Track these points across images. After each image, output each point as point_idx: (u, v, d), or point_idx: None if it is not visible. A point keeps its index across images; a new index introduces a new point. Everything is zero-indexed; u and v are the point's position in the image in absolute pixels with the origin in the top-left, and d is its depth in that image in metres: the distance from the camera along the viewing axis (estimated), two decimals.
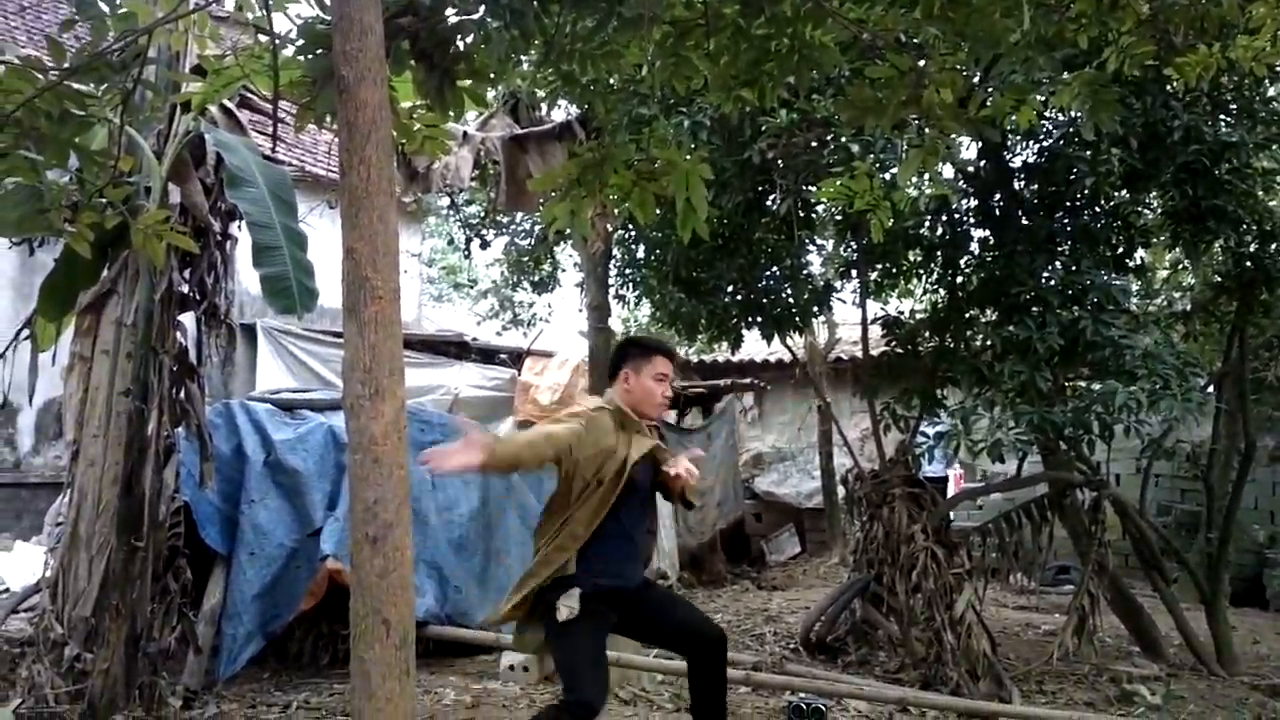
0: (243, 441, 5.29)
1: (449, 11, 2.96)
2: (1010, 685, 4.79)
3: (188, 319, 4.43)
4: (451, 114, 3.20)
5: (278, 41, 2.93)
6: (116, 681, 3.96)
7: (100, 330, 4.32)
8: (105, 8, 2.90)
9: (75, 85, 2.79)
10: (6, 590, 6.51)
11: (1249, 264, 5.58)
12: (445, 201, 11.81)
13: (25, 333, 4.55)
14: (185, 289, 4.33)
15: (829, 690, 4.58)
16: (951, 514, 5.90)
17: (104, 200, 3.18)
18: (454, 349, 9.89)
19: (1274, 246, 5.58)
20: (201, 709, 4.39)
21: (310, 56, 2.79)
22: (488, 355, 10.19)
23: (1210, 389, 6.17)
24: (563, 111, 7.14)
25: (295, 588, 5.06)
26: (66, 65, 2.67)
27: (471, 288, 17.45)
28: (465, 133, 5.88)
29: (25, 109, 2.56)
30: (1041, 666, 5.46)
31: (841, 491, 7.29)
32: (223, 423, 5.32)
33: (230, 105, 4.55)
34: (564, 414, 3.14)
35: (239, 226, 4.52)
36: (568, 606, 2.94)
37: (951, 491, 10.11)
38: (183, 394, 4.31)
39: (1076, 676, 5.45)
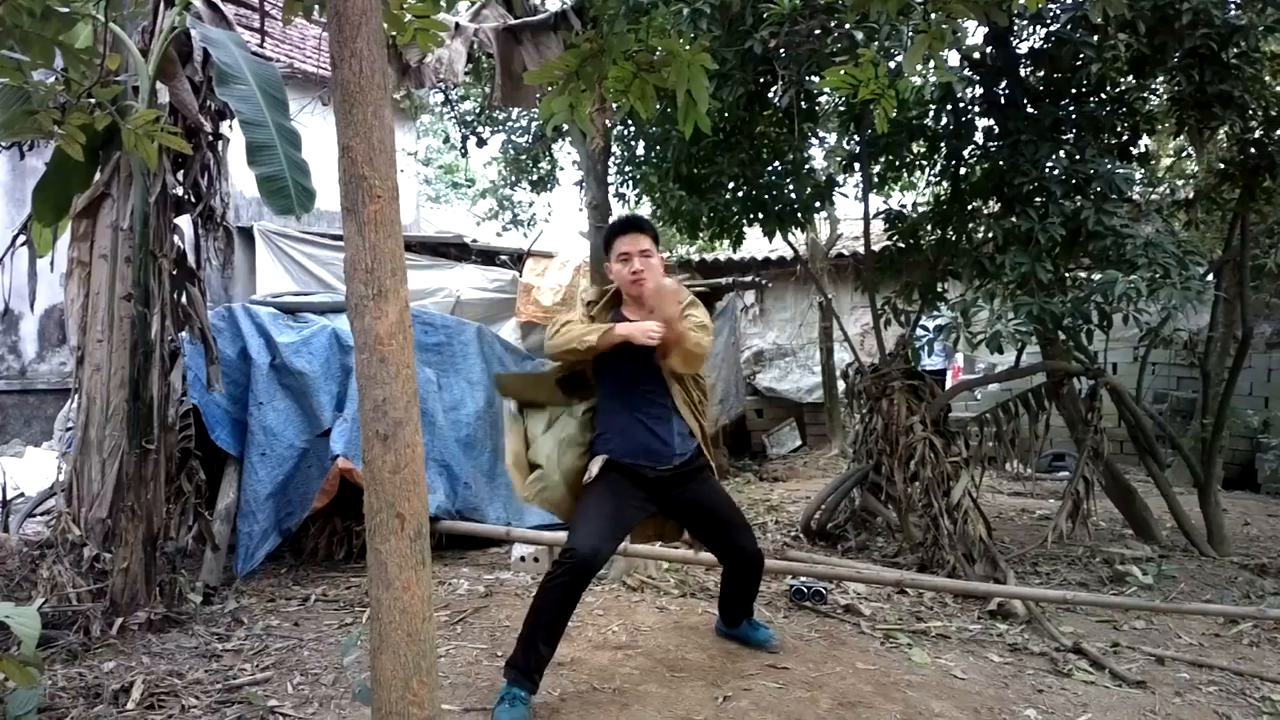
0: (247, 345, 5.33)
1: None
2: (1005, 567, 4.93)
3: (184, 222, 4.39)
4: (443, 3, 3.11)
5: None
6: (136, 579, 4.07)
7: (97, 235, 4.30)
8: None
9: None
10: (21, 495, 6.66)
11: (1254, 150, 5.52)
12: (439, 98, 11.56)
13: (21, 239, 4.53)
14: (180, 191, 4.28)
15: (829, 574, 4.73)
16: (950, 404, 5.97)
17: (92, 101, 3.13)
18: (454, 251, 9.84)
19: (1278, 133, 5.50)
20: (221, 604, 4.53)
21: None
22: (488, 257, 10.15)
23: (1210, 277, 6.17)
24: (558, 0, 6.91)
25: (308, 486, 5.17)
26: None
27: (469, 187, 17.24)
28: (457, 24, 5.70)
29: (7, 7, 2.49)
30: (1036, 549, 5.62)
31: (842, 386, 7.36)
32: (226, 326, 5.35)
33: None
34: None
35: (230, 126, 4.44)
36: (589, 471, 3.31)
37: (950, 384, 10.21)
38: (184, 298, 4.31)
39: (1070, 558, 5.62)
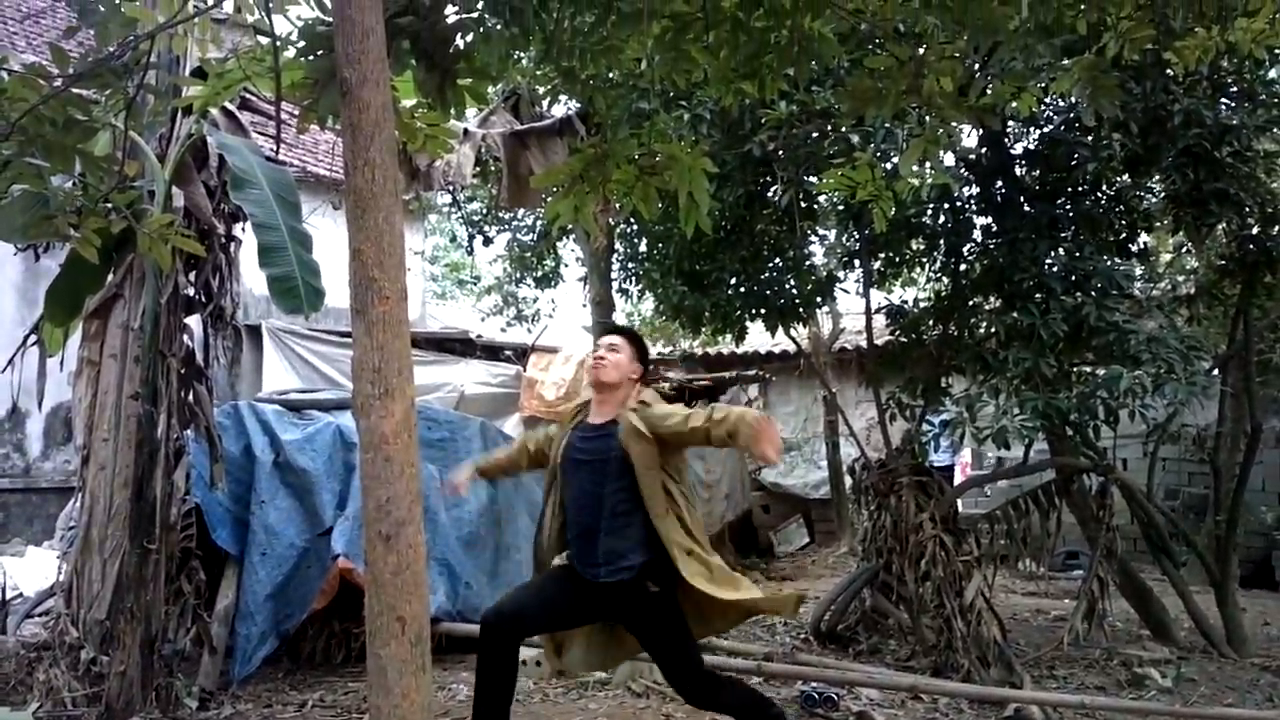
0: (251, 442, 5.32)
1: (449, 10, 2.97)
2: (1021, 671, 4.80)
3: (194, 321, 4.45)
4: (453, 112, 3.21)
5: (279, 43, 2.94)
6: (133, 684, 3.99)
7: (107, 335, 4.35)
8: (106, 11, 2.91)
9: (79, 91, 2.80)
10: (20, 595, 6.55)
11: (1252, 246, 5.59)
12: (447, 199, 11.82)
13: (33, 338, 4.58)
14: (191, 292, 4.35)
15: (840, 679, 4.59)
16: (959, 502, 5.90)
17: (109, 205, 3.20)
18: (459, 346, 9.91)
19: (1276, 229, 5.59)
20: (217, 709, 4.41)
21: (311, 58, 2.80)
22: (493, 352, 10.21)
23: (1215, 372, 6.17)
24: (563, 107, 7.14)
25: (307, 587, 5.08)
26: (70, 72, 2.68)
27: (475, 284, 17.48)
28: (466, 130, 5.88)
29: (31, 116, 2.58)
30: (1052, 652, 5.48)
31: (849, 481, 7.30)
32: (231, 424, 5.34)
33: (231, 107, 4.56)
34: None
35: (243, 228, 4.54)
36: None
37: (958, 480, 10.12)
38: (191, 396, 4.34)
39: (1087, 661, 5.47)
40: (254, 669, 4.87)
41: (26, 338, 4.57)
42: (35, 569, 7.53)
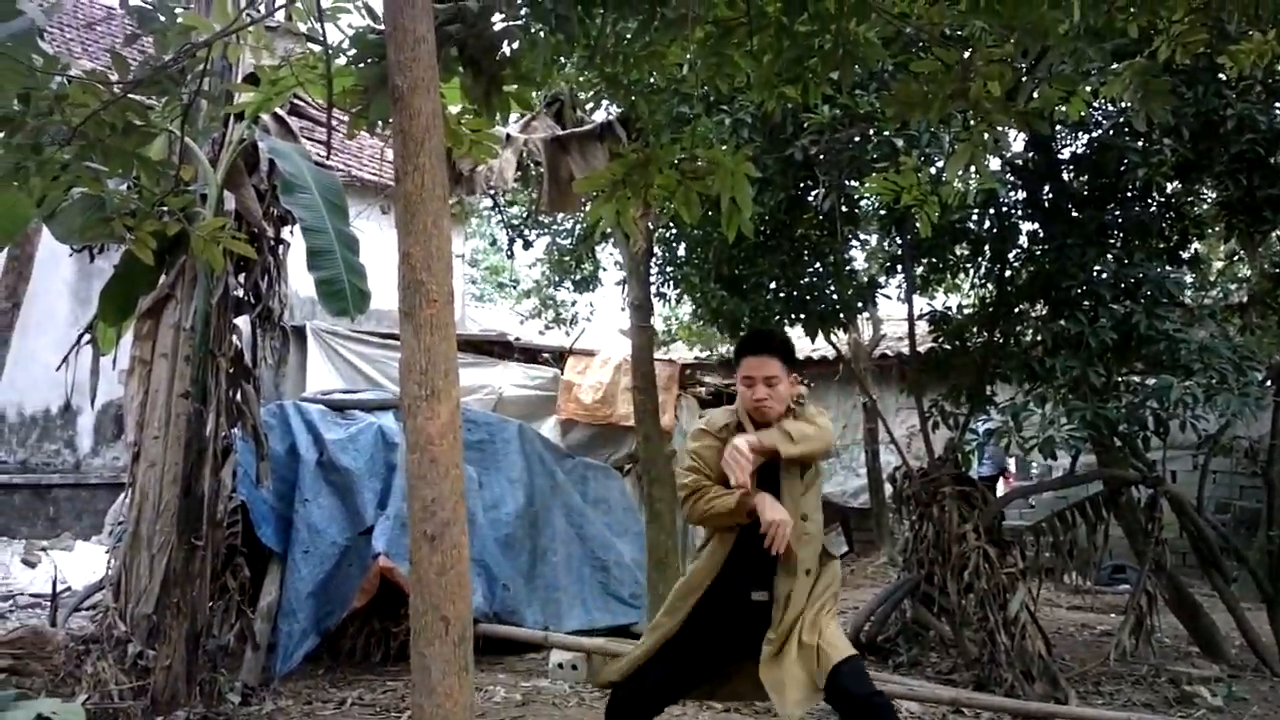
0: (296, 441, 5.40)
1: (495, 18, 2.99)
2: (1066, 686, 4.72)
3: (242, 322, 4.53)
4: (498, 118, 3.23)
5: (330, 51, 2.99)
6: (178, 678, 4.06)
7: (159, 334, 4.44)
8: (164, 20, 2.98)
9: (137, 97, 2.87)
10: (69, 589, 6.70)
11: None
12: (488, 202, 11.90)
13: (86, 337, 4.69)
14: (240, 293, 4.44)
15: None
16: (1003, 512, 5.81)
17: (164, 208, 3.27)
18: (498, 348, 9.97)
19: None
20: (259, 705, 4.47)
21: (362, 65, 2.84)
22: (531, 354, 10.25)
23: (1269, 383, 6.02)
24: (604, 112, 7.16)
25: (348, 585, 5.14)
26: (130, 78, 2.75)
27: (514, 287, 17.58)
28: (508, 135, 5.92)
29: (91, 121, 2.64)
30: (1098, 667, 5.38)
31: (889, 490, 7.23)
32: (277, 423, 5.43)
33: (281, 113, 4.64)
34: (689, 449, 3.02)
35: (291, 231, 4.62)
36: None
37: (1002, 492, 9.97)
38: (239, 395, 4.41)
39: (1134, 678, 5.36)
40: (295, 665, 4.94)
41: (80, 336, 4.69)
42: (84, 563, 7.71)
